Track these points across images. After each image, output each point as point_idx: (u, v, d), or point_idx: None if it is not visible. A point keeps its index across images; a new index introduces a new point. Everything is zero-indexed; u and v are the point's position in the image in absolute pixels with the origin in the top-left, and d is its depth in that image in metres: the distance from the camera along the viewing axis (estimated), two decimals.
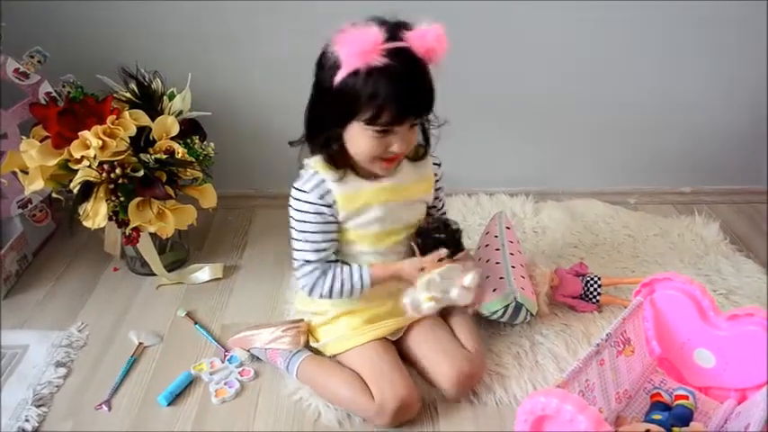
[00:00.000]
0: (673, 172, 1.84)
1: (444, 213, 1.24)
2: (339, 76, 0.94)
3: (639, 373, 1.17)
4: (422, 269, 1.08)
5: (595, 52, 1.63)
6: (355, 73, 0.93)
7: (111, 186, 1.28)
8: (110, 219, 1.31)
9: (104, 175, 1.26)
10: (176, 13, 1.54)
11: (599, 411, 0.87)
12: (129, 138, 1.30)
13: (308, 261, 1.11)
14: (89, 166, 1.27)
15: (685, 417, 1.06)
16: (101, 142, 1.26)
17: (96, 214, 1.30)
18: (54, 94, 1.41)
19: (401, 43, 0.94)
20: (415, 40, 0.94)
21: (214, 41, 1.59)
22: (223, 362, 1.25)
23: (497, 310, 1.23)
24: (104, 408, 1.16)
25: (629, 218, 1.73)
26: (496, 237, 1.39)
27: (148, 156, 1.31)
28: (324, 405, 1.14)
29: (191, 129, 1.42)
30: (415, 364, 1.19)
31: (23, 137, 1.34)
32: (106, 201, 1.29)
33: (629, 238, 1.65)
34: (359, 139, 1.02)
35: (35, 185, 1.30)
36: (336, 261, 1.14)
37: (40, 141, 1.30)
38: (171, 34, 1.57)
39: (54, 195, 1.38)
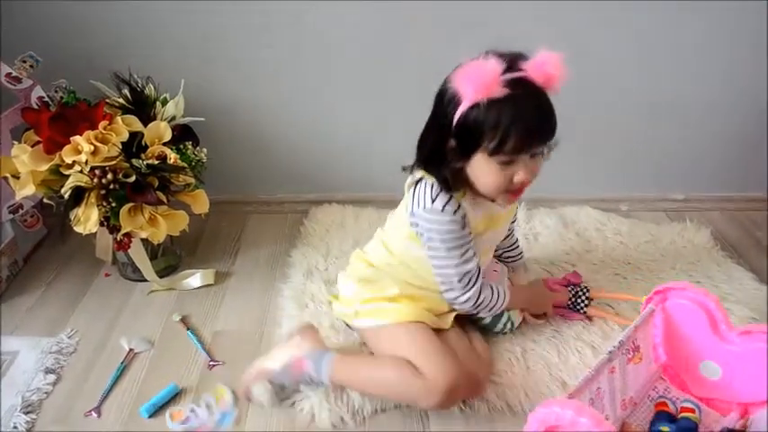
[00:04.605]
0: (665, 179, 1.84)
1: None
2: (460, 111, 0.96)
3: (645, 380, 1.16)
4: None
5: (587, 58, 1.63)
6: (476, 105, 0.95)
7: (103, 192, 1.27)
8: (101, 224, 1.30)
9: (96, 180, 1.26)
10: (170, 19, 1.54)
11: (606, 419, 0.85)
12: (122, 143, 1.30)
13: (466, 273, 1.12)
14: (80, 172, 1.27)
15: (690, 430, 1.06)
16: (92, 147, 1.26)
17: (88, 220, 1.29)
18: (46, 98, 1.41)
19: (520, 73, 0.96)
20: (533, 69, 0.96)
21: (208, 47, 1.59)
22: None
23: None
24: (94, 415, 1.15)
25: (621, 225, 1.73)
26: None
27: (140, 161, 1.31)
28: (318, 407, 1.13)
29: (183, 134, 1.42)
30: None
31: (15, 142, 1.33)
32: (98, 206, 1.28)
33: (620, 244, 1.65)
34: (483, 172, 1.02)
35: (26, 190, 1.30)
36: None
37: (32, 146, 1.29)
38: (164, 40, 1.57)
39: (45, 200, 1.37)
